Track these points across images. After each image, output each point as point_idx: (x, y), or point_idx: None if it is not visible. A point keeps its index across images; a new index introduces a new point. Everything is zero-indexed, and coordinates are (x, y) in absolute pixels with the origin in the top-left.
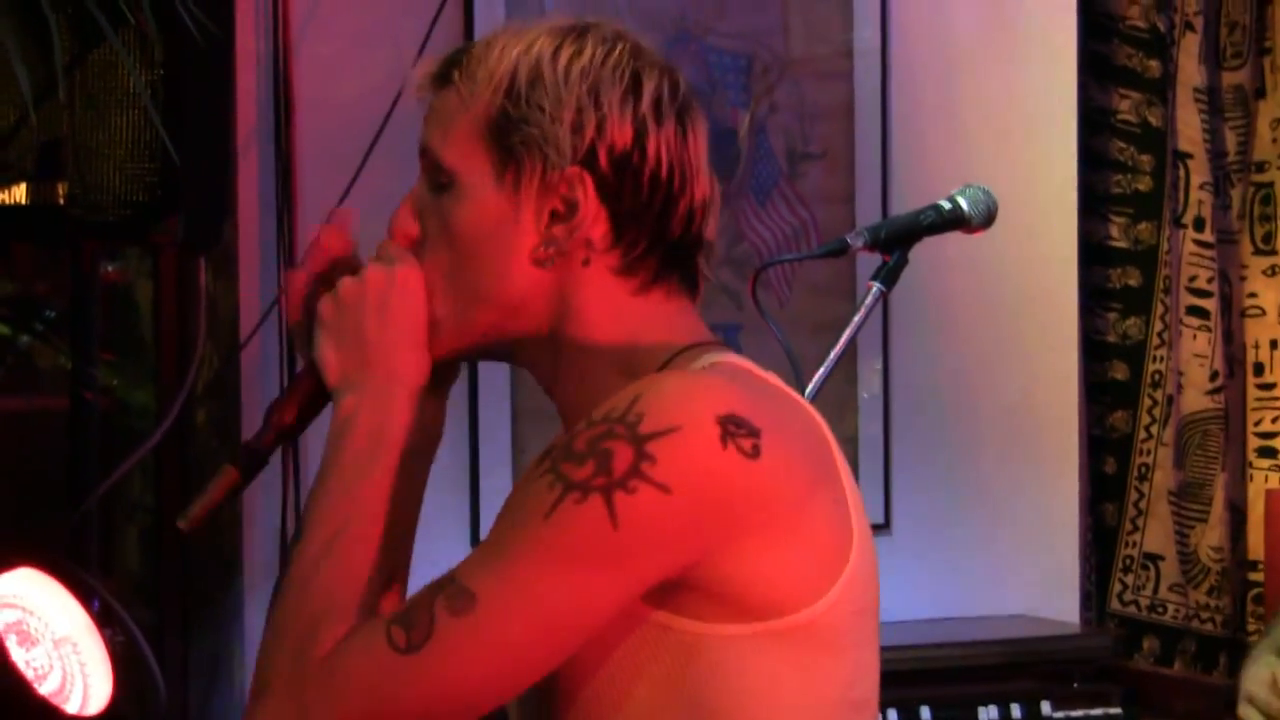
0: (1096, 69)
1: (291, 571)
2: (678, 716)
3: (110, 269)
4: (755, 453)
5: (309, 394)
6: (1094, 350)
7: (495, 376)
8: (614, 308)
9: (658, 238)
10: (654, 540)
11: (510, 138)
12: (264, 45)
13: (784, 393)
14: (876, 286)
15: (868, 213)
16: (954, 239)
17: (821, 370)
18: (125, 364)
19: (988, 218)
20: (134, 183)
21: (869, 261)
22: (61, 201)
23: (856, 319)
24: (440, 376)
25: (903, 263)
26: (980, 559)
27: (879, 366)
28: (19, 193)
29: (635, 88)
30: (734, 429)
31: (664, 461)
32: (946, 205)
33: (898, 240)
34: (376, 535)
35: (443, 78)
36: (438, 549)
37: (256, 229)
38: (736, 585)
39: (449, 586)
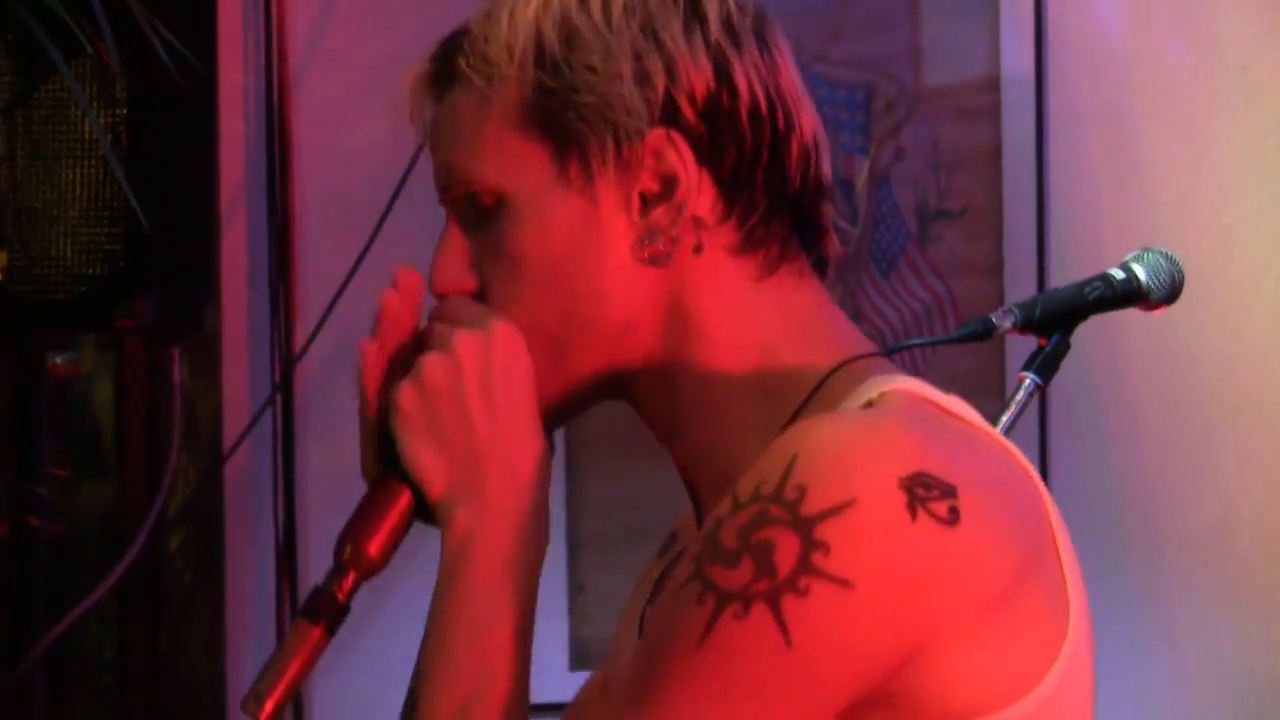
0: None
1: None
2: None
3: (60, 361)
4: (954, 518)
5: (396, 512)
6: None
7: None
8: (739, 304)
9: (777, 192)
10: (840, 652)
11: (562, 116)
12: (255, 81)
13: (978, 429)
14: (1030, 379)
15: (1019, 285)
16: (1130, 319)
17: None
18: (79, 481)
19: (1172, 291)
20: (91, 253)
21: (1021, 347)
22: None
23: (1006, 419)
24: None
25: (1063, 349)
26: None
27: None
28: None
29: (695, 11)
30: (923, 492)
31: (840, 549)
32: (1119, 275)
33: (1057, 320)
34: (520, 693)
35: (445, 75)
36: None
37: (244, 312)
38: (937, 686)
39: None
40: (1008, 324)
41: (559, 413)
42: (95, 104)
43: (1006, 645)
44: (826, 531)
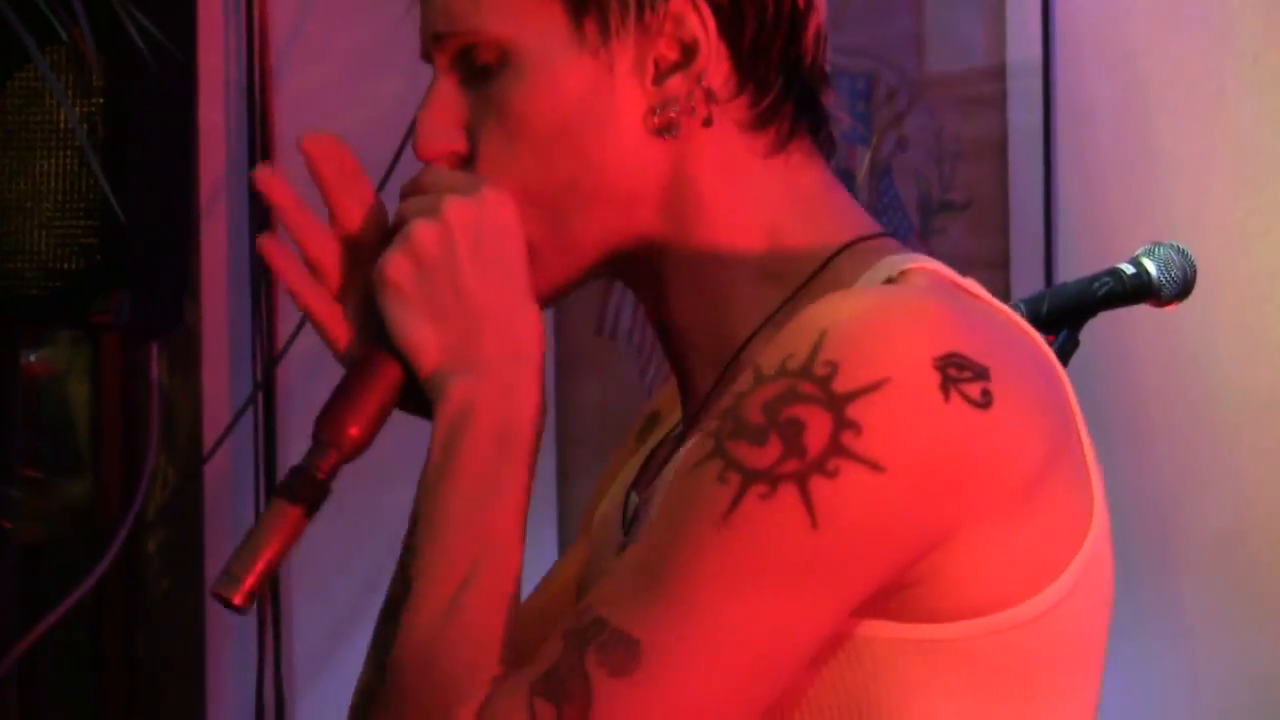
0: None
1: (401, 643)
2: None
3: (34, 359)
4: (986, 400)
5: (382, 390)
6: None
7: None
8: (746, 179)
9: (791, 73)
10: (867, 537)
11: None
12: (235, 70)
13: (1002, 312)
14: None
15: (1025, 279)
16: (1141, 315)
17: None
18: (54, 482)
19: (1184, 286)
20: (66, 247)
21: None
22: None
23: None
24: None
25: (1071, 346)
26: None
27: None
28: None
29: None
30: (956, 372)
31: (872, 429)
32: (1129, 270)
33: (1065, 316)
34: (512, 574)
35: None
36: None
37: (225, 308)
38: (958, 577)
39: (600, 633)
40: None
41: (556, 289)
42: (71, 93)
43: (1030, 536)
44: (859, 411)
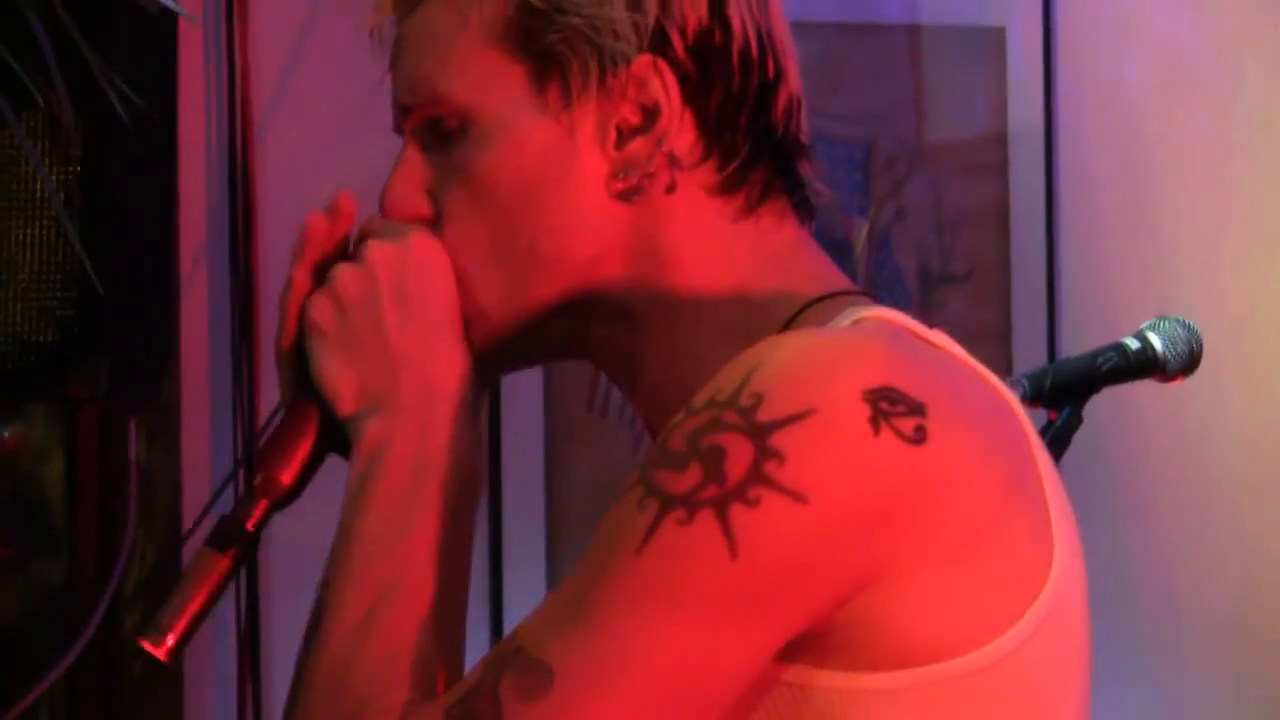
0: None
1: (312, 667)
2: None
3: (9, 434)
4: (920, 436)
5: (310, 435)
6: None
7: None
8: (714, 242)
9: (760, 138)
10: (790, 570)
11: (544, 36)
12: (217, 135)
13: (959, 358)
14: None
15: (1028, 354)
16: (1146, 390)
17: None
18: (28, 560)
19: (1190, 361)
20: (42, 318)
21: (1031, 419)
22: None
23: None
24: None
25: (1075, 422)
26: None
27: None
28: None
29: None
30: (888, 406)
31: (795, 459)
32: (1134, 344)
33: (1069, 391)
34: (426, 602)
35: None
36: None
37: (206, 380)
38: (897, 621)
39: (516, 659)
40: (1017, 395)
41: (508, 353)
42: (47, 161)
43: (979, 582)
44: (782, 440)
